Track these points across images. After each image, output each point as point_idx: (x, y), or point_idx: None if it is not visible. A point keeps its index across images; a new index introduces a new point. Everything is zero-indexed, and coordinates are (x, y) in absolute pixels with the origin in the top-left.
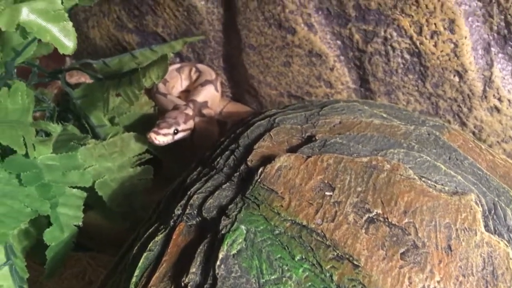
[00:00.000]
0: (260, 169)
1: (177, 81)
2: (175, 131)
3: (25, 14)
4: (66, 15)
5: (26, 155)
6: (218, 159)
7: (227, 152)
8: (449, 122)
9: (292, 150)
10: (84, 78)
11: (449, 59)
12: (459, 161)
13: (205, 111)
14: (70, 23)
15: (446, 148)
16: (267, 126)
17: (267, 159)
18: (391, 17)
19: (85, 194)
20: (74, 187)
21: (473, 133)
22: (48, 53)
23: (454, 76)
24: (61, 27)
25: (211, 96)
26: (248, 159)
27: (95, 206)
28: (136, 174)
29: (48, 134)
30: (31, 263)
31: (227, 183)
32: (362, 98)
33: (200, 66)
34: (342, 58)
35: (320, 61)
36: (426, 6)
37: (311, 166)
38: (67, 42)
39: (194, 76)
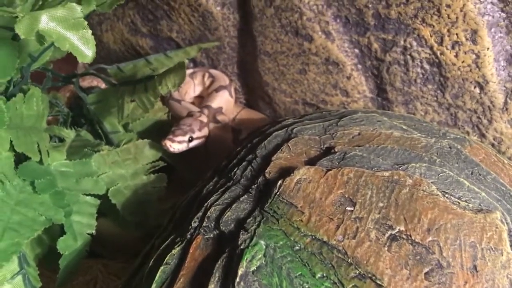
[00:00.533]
0: (279, 182)
1: (190, 87)
2: (190, 139)
3: (44, 22)
4: (86, 23)
5: (41, 161)
6: (235, 170)
7: (244, 163)
8: (467, 133)
9: (311, 162)
10: (97, 82)
11: (470, 70)
12: (481, 176)
13: (219, 118)
14: (89, 31)
15: (468, 162)
16: (285, 137)
17: (285, 171)
18: (411, 26)
19: (98, 202)
20: (87, 195)
21: (492, 145)
22: (62, 57)
23: (475, 87)
24: (81, 35)
25: (226, 102)
26: (266, 171)
27: (108, 213)
28: (150, 182)
29: (61, 140)
30: (43, 270)
31: (245, 196)
32: (379, 108)
33: (213, 71)
34: (359, 66)
35: (337, 70)
36: (448, 16)
37: (331, 179)
38: (86, 50)
39: (207, 82)
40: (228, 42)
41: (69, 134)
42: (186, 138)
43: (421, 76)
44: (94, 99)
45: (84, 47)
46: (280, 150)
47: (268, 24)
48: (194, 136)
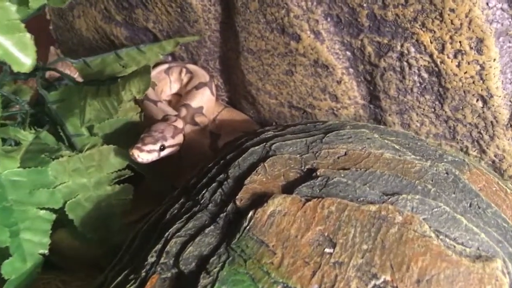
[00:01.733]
0: (250, 214)
1: (166, 84)
2: (162, 147)
3: None
4: (23, 25)
5: None
6: (203, 192)
7: (214, 184)
8: (466, 148)
9: (289, 187)
10: (69, 71)
11: (473, 82)
12: (481, 210)
13: (198, 119)
14: (28, 35)
15: (467, 192)
16: (262, 154)
17: (259, 199)
18: (409, 30)
19: (54, 216)
20: (42, 208)
21: (493, 161)
22: None
23: (477, 100)
24: (16, 39)
25: (207, 100)
26: (237, 197)
27: (67, 224)
28: (114, 193)
29: (18, 143)
30: None
31: (211, 226)
32: (371, 116)
33: (191, 66)
34: (351, 71)
35: (327, 73)
36: (452, 21)
37: (310, 213)
38: (24, 58)
39: (185, 78)
40: (209, 36)
41: (26, 136)
42: (157, 146)
43: (418, 85)
44: (57, 97)
45: (21, 54)
46: (255, 171)
47: (252, 20)
48: (166, 144)
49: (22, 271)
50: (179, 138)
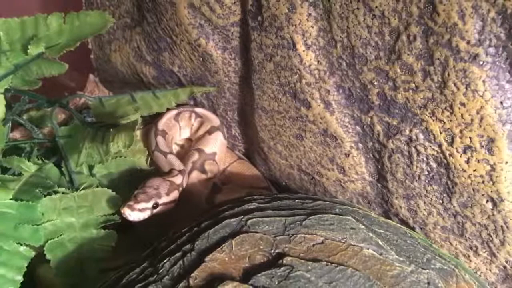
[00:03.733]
0: None
1: (176, 131)
2: (155, 205)
3: None
4: None
5: None
6: (165, 260)
7: (178, 254)
8: (476, 248)
9: (250, 272)
10: (98, 92)
11: (483, 182)
12: None
13: (208, 167)
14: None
15: None
16: (236, 228)
17: (212, 281)
18: (419, 116)
19: (33, 254)
20: (22, 244)
21: (504, 267)
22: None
23: (487, 201)
24: None
25: (220, 145)
26: (192, 274)
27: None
28: (99, 238)
29: (20, 173)
30: None
31: None
32: (378, 195)
33: (199, 110)
34: (360, 146)
35: (335, 144)
36: (462, 115)
37: None
38: None
39: (195, 123)
40: (228, 87)
41: (29, 167)
42: (150, 204)
43: (426, 173)
44: (65, 133)
45: None
46: (220, 248)
47: (267, 79)
48: (160, 202)
49: None
50: (174, 195)
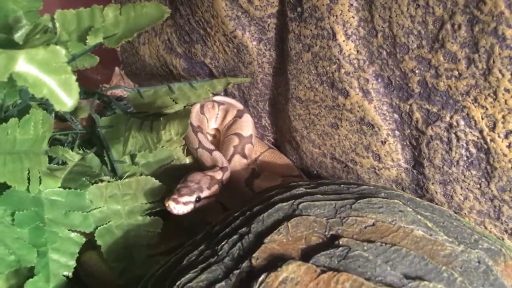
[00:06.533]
0: (262, 277)
1: (205, 124)
2: (198, 199)
3: (22, 63)
4: (69, 68)
5: (29, 189)
6: (223, 243)
7: (235, 236)
8: (511, 230)
9: (308, 252)
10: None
11: None
12: None
13: (247, 152)
14: (73, 77)
15: (497, 287)
16: (288, 212)
17: (274, 261)
18: (461, 103)
19: (83, 240)
20: (74, 231)
21: None
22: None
23: None
24: (62, 80)
25: (253, 126)
26: (253, 255)
27: (98, 248)
28: (144, 224)
29: (64, 162)
30: None
31: (223, 282)
32: (413, 181)
33: (218, 98)
34: (397, 133)
35: (372, 132)
36: (506, 101)
37: (322, 286)
38: (66, 98)
39: (220, 112)
40: (261, 78)
41: (73, 157)
42: (193, 198)
43: (465, 158)
44: (107, 123)
45: (64, 94)
46: (277, 230)
47: (303, 70)
48: (202, 195)
49: None
50: (215, 189)
